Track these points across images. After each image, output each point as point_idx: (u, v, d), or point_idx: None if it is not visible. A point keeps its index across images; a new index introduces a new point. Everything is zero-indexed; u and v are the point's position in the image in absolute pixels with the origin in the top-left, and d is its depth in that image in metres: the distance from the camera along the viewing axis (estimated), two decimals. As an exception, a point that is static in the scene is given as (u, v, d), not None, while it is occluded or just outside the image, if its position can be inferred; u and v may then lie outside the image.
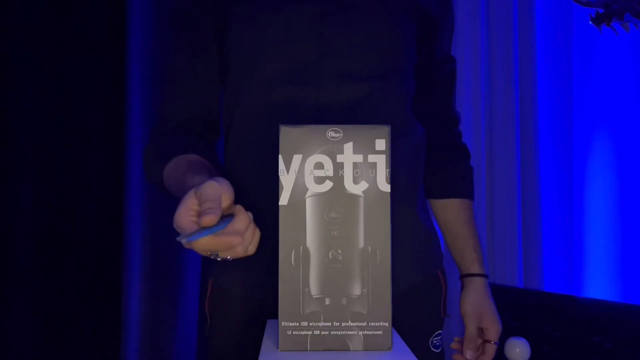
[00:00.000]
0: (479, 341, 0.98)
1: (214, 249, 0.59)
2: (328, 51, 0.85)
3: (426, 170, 0.99)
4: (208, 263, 0.96)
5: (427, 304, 0.94)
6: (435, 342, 0.94)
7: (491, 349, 0.97)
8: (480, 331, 0.98)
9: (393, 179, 0.87)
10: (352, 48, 0.86)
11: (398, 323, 0.83)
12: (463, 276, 1.02)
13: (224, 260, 0.62)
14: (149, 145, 0.92)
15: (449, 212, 1.03)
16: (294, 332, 0.64)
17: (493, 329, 0.97)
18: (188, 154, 0.83)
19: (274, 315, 0.66)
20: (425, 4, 0.93)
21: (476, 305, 0.98)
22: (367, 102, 0.86)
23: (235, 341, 0.90)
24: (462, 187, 1.04)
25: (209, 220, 0.57)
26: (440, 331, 0.95)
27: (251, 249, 0.62)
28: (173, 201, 1.71)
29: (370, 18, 0.88)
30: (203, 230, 0.57)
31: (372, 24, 0.88)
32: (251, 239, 0.61)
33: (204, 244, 0.58)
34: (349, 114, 0.85)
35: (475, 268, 1.01)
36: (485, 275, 1.01)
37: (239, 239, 0.58)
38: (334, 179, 0.64)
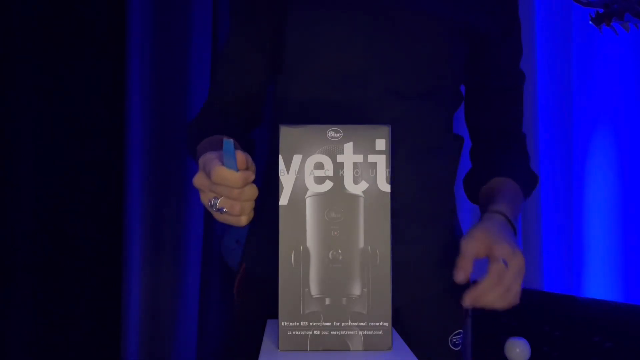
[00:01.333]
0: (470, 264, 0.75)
1: (228, 176, 0.60)
2: (375, 65, 0.86)
3: (477, 166, 0.98)
4: (245, 248, 0.97)
5: (452, 306, 0.95)
6: (454, 340, 0.95)
7: (498, 268, 0.72)
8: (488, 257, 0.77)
9: (429, 188, 0.87)
10: (398, 66, 0.87)
11: (419, 323, 0.83)
12: (483, 213, 0.85)
13: (217, 213, 0.63)
14: (193, 121, 0.96)
15: (492, 184, 0.91)
16: (294, 332, 0.64)
17: (500, 248, 0.73)
18: (222, 134, 0.85)
19: None
20: (476, 21, 0.92)
21: (485, 230, 0.77)
22: (407, 118, 0.87)
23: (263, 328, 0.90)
24: (505, 170, 0.94)
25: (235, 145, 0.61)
26: (460, 330, 0.96)
27: (244, 220, 0.64)
28: (173, 202, 1.69)
29: (419, 36, 0.87)
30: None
31: (420, 43, 0.87)
32: (249, 208, 0.63)
33: (226, 173, 0.60)
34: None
35: (501, 208, 0.82)
36: (510, 221, 0.82)
37: (242, 181, 0.60)
38: (334, 178, 0.64)
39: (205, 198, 0.63)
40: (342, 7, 0.87)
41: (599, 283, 1.81)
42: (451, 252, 0.95)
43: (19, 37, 1.46)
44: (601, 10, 1.06)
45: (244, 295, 0.95)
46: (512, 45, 1.00)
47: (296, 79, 0.90)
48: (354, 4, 0.88)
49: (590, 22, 1.08)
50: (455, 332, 0.95)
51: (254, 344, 0.72)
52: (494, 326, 1.75)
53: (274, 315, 0.85)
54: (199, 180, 0.63)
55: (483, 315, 1.80)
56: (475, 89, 1.00)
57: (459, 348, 0.96)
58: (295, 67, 0.90)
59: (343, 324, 0.64)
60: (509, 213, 0.83)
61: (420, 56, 0.87)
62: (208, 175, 0.61)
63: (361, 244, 0.64)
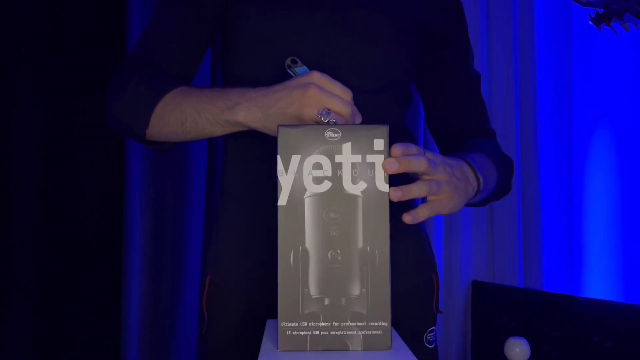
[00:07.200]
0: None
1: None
2: (328, 63, 0.86)
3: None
4: (207, 260, 0.96)
5: (422, 304, 0.96)
6: (429, 338, 0.95)
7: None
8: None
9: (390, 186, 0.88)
10: (352, 63, 0.87)
11: (393, 323, 0.84)
12: None
13: (329, 120, 0.69)
14: (134, 78, 0.87)
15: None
16: (293, 333, 0.64)
17: (439, 172, 0.70)
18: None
19: (271, 314, 0.66)
20: (428, 20, 0.93)
21: (438, 156, 0.73)
22: (361, 114, 0.87)
23: (232, 340, 0.90)
24: (474, 150, 0.90)
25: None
26: (433, 327, 0.97)
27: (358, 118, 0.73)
28: (173, 202, 1.68)
29: (372, 35, 0.88)
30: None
31: (374, 41, 0.88)
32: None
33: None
34: None
35: (465, 157, 0.81)
36: (472, 169, 0.80)
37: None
38: (333, 179, 0.64)
39: (315, 111, 0.69)
40: (292, 6, 0.87)
41: (599, 283, 1.81)
42: (419, 247, 0.95)
43: (19, 37, 1.47)
44: (601, 11, 1.06)
45: (214, 309, 0.93)
46: (461, 46, 1.00)
47: (246, 78, 0.88)
48: (304, 2, 0.87)
49: (590, 22, 1.08)
50: (429, 330, 0.96)
51: (251, 343, 0.73)
52: (494, 326, 1.75)
53: (246, 329, 0.84)
54: (315, 99, 0.69)
55: (483, 316, 1.80)
56: (430, 91, 1.01)
57: (434, 345, 0.96)
58: (245, 65, 0.89)
59: (342, 324, 0.64)
60: (475, 165, 0.80)
61: (370, 53, 0.88)
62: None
63: (360, 244, 0.64)
